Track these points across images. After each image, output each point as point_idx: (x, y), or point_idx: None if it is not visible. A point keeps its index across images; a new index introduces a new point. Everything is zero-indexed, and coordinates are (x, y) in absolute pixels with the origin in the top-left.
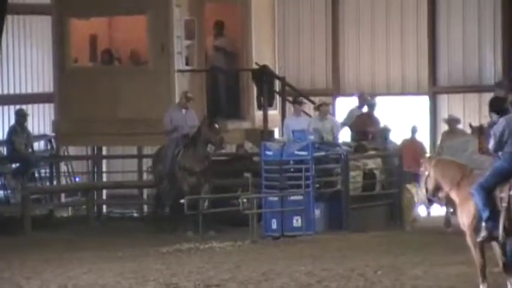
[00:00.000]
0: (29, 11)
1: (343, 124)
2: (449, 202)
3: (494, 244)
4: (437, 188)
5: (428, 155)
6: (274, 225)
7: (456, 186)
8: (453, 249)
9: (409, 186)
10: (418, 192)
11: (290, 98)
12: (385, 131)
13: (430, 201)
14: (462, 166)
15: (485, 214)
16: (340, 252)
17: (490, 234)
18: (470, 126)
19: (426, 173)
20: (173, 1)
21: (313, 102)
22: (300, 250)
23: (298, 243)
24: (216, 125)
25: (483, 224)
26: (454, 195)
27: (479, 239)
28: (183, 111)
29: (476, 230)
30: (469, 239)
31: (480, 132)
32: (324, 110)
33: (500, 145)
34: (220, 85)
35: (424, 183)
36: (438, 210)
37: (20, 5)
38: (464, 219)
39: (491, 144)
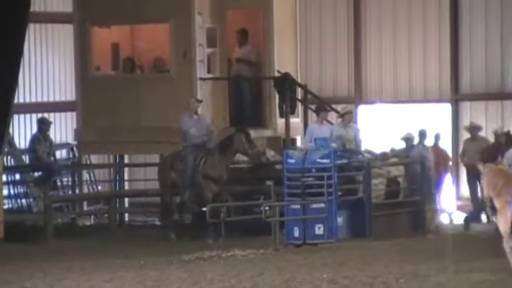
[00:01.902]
0: (51, 19)
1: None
2: (493, 209)
3: None
4: (487, 196)
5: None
6: (296, 233)
7: (498, 193)
8: (476, 256)
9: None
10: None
11: (313, 106)
12: (408, 139)
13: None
14: (506, 174)
15: None
16: (363, 260)
17: None
18: (496, 133)
19: (482, 182)
20: (195, 9)
21: (336, 111)
22: (322, 258)
23: (321, 251)
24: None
25: None
26: (495, 202)
27: (509, 248)
28: (195, 117)
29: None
30: (505, 245)
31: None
32: (348, 118)
33: None
34: (242, 93)
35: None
36: (460, 218)
37: (42, 14)
38: (501, 225)
39: None
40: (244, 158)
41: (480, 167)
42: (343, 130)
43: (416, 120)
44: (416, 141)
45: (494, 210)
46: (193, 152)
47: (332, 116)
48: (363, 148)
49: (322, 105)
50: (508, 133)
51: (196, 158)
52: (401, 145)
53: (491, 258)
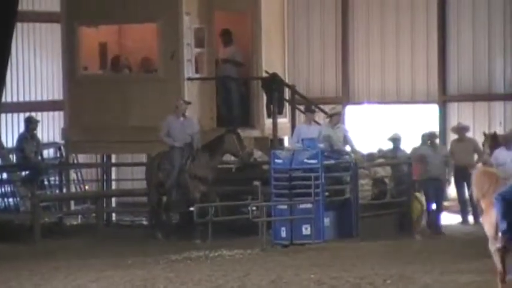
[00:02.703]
0: (38, 18)
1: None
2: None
3: None
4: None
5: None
6: (283, 234)
7: (484, 194)
8: (462, 258)
9: (418, 194)
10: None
11: (301, 107)
12: (396, 140)
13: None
14: (492, 175)
15: (502, 226)
16: (350, 261)
17: (506, 246)
18: (484, 134)
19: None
20: (183, 9)
21: (324, 112)
22: (309, 258)
23: (308, 252)
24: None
25: (499, 234)
26: (482, 203)
27: (494, 249)
28: (181, 119)
29: (496, 238)
30: (490, 246)
31: (493, 140)
32: (336, 119)
33: None
34: (230, 93)
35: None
36: (447, 219)
37: (29, 13)
38: (486, 226)
39: None
40: (232, 158)
41: (473, 171)
42: (331, 131)
43: (403, 121)
44: (419, 142)
45: (481, 211)
46: (180, 152)
47: (320, 117)
48: (356, 147)
49: (309, 106)
50: (494, 134)
51: (184, 158)
52: (388, 146)
53: (477, 259)
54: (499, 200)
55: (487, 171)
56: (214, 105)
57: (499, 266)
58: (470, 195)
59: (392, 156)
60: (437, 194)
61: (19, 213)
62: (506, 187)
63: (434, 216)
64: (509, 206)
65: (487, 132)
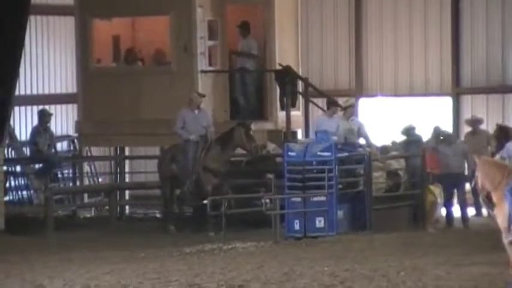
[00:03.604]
0: (51, 11)
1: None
2: (490, 202)
3: None
4: (483, 188)
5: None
6: (296, 226)
7: (496, 187)
8: (476, 250)
9: (431, 187)
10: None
11: (314, 99)
12: (411, 130)
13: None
14: (503, 167)
15: None
16: (363, 253)
17: None
18: (497, 125)
19: (476, 174)
20: (196, 2)
21: (338, 105)
22: (322, 251)
23: (321, 244)
24: (251, 132)
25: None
26: (493, 196)
27: (507, 242)
28: (196, 111)
29: (509, 230)
30: (503, 239)
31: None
32: (350, 111)
33: None
34: (243, 86)
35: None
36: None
37: (43, 6)
38: (499, 219)
39: None
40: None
41: (476, 159)
42: (347, 123)
43: (417, 114)
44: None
45: (491, 203)
46: (195, 145)
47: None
48: (371, 140)
49: (334, 100)
50: (506, 127)
51: (197, 151)
52: (401, 138)
53: (491, 251)
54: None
55: (495, 163)
56: (227, 97)
57: None
58: (474, 186)
59: (407, 143)
60: (458, 189)
61: (32, 206)
62: None
63: (450, 211)
64: None
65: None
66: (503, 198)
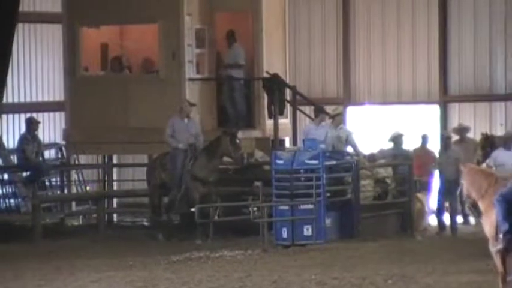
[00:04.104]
0: (39, 19)
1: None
2: (476, 210)
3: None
4: (469, 196)
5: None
6: (284, 234)
7: (483, 195)
8: (464, 258)
9: (419, 195)
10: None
11: (301, 107)
12: (397, 138)
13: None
14: (490, 175)
15: (503, 227)
16: (351, 261)
17: (507, 246)
18: (482, 135)
19: (462, 181)
20: (184, 10)
21: (326, 113)
22: (310, 259)
23: (309, 252)
24: (238, 140)
25: (500, 235)
26: (480, 204)
27: (495, 250)
28: (185, 120)
29: (496, 239)
30: (490, 247)
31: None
32: (339, 119)
33: None
34: (231, 94)
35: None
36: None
37: (30, 14)
38: (486, 227)
39: None
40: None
41: (461, 167)
42: (335, 131)
43: (404, 122)
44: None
45: (478, 211)
46: (183, 153)
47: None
48: (359, 149)
49: (321, 107)
50: (491, 136)
51: (186, 159)
52: (389, 146)
53: (478, 260)
54: (501, 201)
55: (482, 171)
56: (215, 105)
57: (500, 267)
58: (460, 193)
59: (394, 154)
60: (451, 196)
61: (20, 213)
62: (507, 188)
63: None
64: (511, 207)
65: (488, 133)
66: (491, 206)
